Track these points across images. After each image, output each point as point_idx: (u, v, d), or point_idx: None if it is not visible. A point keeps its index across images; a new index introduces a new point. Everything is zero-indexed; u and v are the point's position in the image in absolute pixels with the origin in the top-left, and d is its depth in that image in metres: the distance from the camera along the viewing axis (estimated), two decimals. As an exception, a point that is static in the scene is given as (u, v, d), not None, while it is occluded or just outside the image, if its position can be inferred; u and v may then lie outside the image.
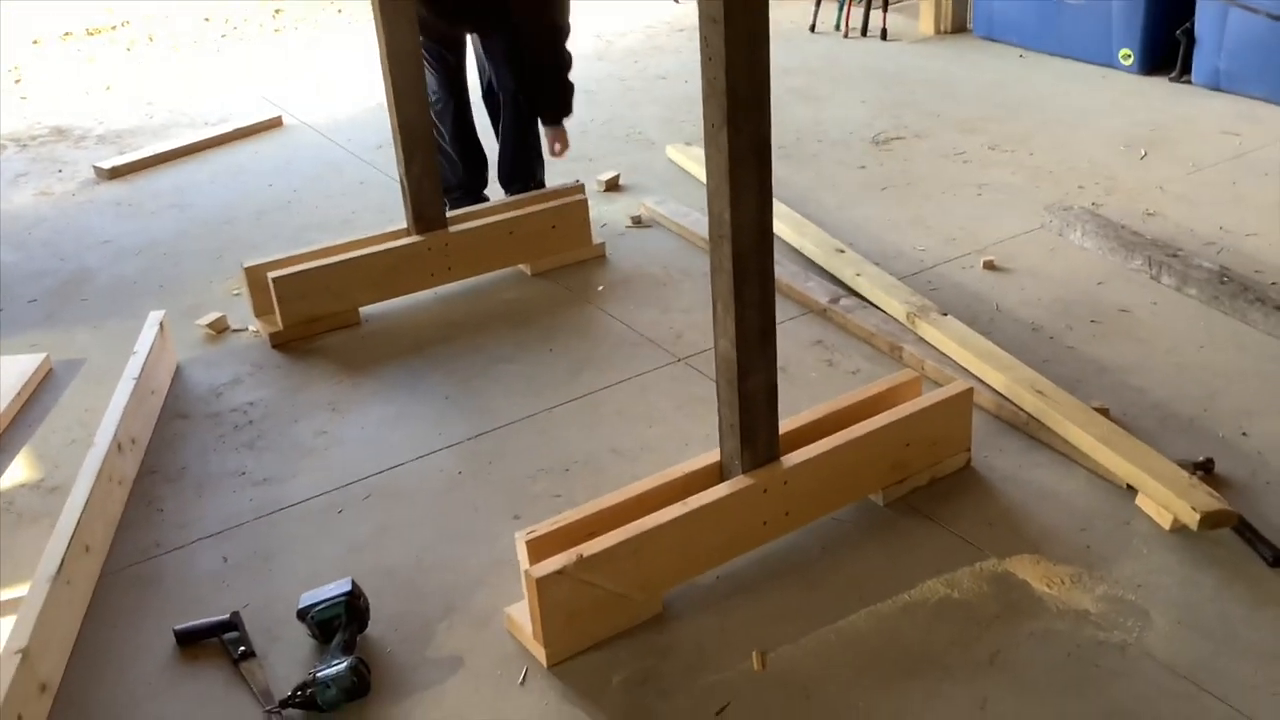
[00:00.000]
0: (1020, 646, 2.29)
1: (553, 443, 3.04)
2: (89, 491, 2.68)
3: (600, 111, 5.51)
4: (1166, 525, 2.56)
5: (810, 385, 3.20)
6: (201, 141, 5.31)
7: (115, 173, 5.04)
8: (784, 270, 3.74)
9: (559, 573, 2.26)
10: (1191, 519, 2.50)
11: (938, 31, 6.38)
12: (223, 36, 7.34)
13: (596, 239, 4.05)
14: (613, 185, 4.62)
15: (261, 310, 3.61)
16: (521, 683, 2.29)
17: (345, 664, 2.23)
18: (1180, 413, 2.98)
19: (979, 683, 2.21)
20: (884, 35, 6.35)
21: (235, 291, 3.86)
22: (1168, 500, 2.55)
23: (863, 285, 3.60)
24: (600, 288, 3.82)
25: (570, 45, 4.04)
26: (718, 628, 2.39)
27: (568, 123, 4.19)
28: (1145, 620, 2.33)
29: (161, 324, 3.45)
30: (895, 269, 3.75)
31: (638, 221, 4.29)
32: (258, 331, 3.63)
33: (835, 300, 3.56)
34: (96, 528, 2.69)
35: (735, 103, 2.15)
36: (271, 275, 3.50)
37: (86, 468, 2.78)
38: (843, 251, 3.81)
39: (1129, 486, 2.68)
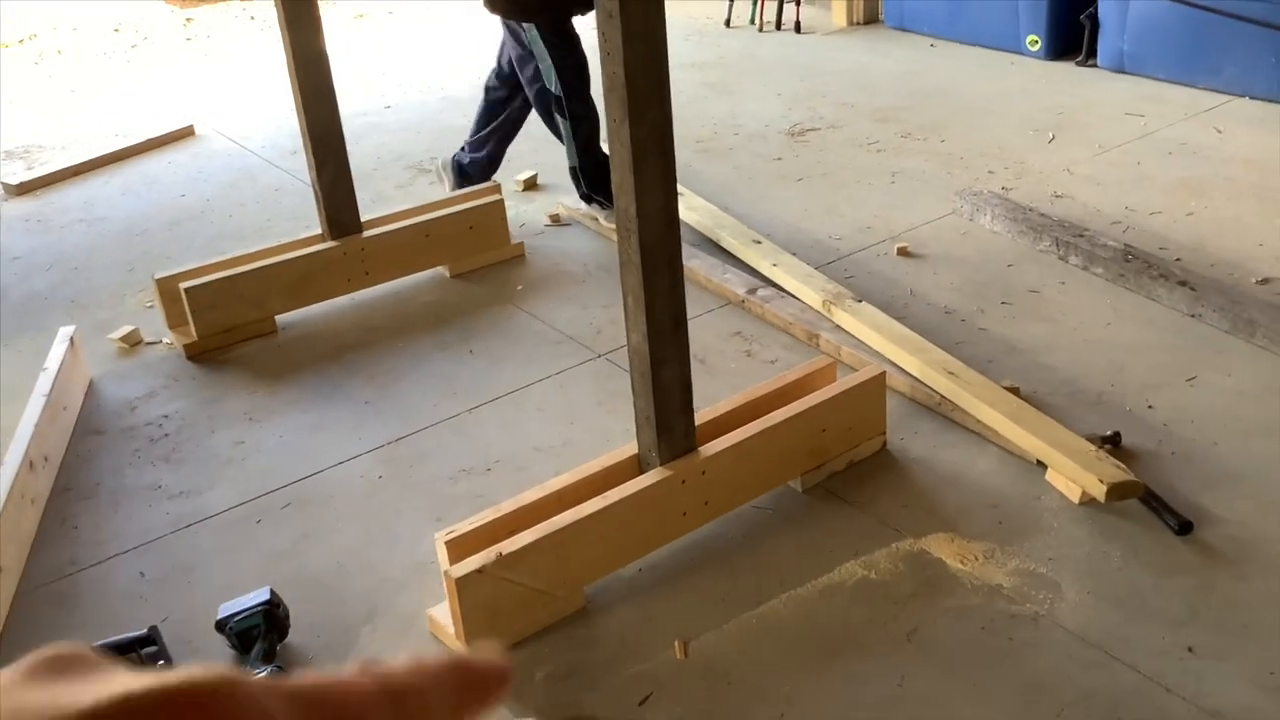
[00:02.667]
0: (936, 623, 2.33)
1: (474, 443, 3.04)
2: (0, 511, 2.64)
3: (518, 111, 5.49)
4: (1076, 499, 2.61)
5: (729, 375, 3.23)
6: (112, 153, 5.21)
7: (24, 188, 4.94)
8: (702, 263, 3.77)
9: (478, 572, 2.26)
10: (1099, 491, 2.56)
11: (850, 23, 6.45)
12: (133, 47, 7.22)
13: (515, 238, 4.05)
14: (531, 184, 4.62)
15: (175, 322, 3.56)
16: (445, 683, 2.28)
17: (264, 674, 2.21)
18: (1088, 389, 3.05)
19: (896, 660, 2.24)
20: (798, 28, 6.40)
21: (148, 304, 3.81)
22: (1076, 474, 2.61)
23: (780, 275, 3.63)
24: (519, 287, 3.82)
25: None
26: (640, 619, 2.41)
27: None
28: (1056, 592, 2.38)
29: (73, 339, 3.39)
30: (812, 258, 3.79)
31: (556, 220, 4.29)
32: (172, 343, 3.58)
33: (753, 291, 3.59)
34: (9, 548, 2.64)
35: (635, 97, 2.17)
36: (184, 286, 3.46)
37: (-4, 487, 2.73)
38: (760, 242, 3.84)
39: (1039, 463, 2.73)
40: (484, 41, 6.64)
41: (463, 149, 4.38)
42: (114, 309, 3.87)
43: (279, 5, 3.39)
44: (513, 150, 5.03)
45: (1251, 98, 4.92)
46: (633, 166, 2.21)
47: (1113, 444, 2.78)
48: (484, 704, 0.37)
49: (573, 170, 4.09)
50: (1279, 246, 3.69)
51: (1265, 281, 3.48)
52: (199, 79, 6.41)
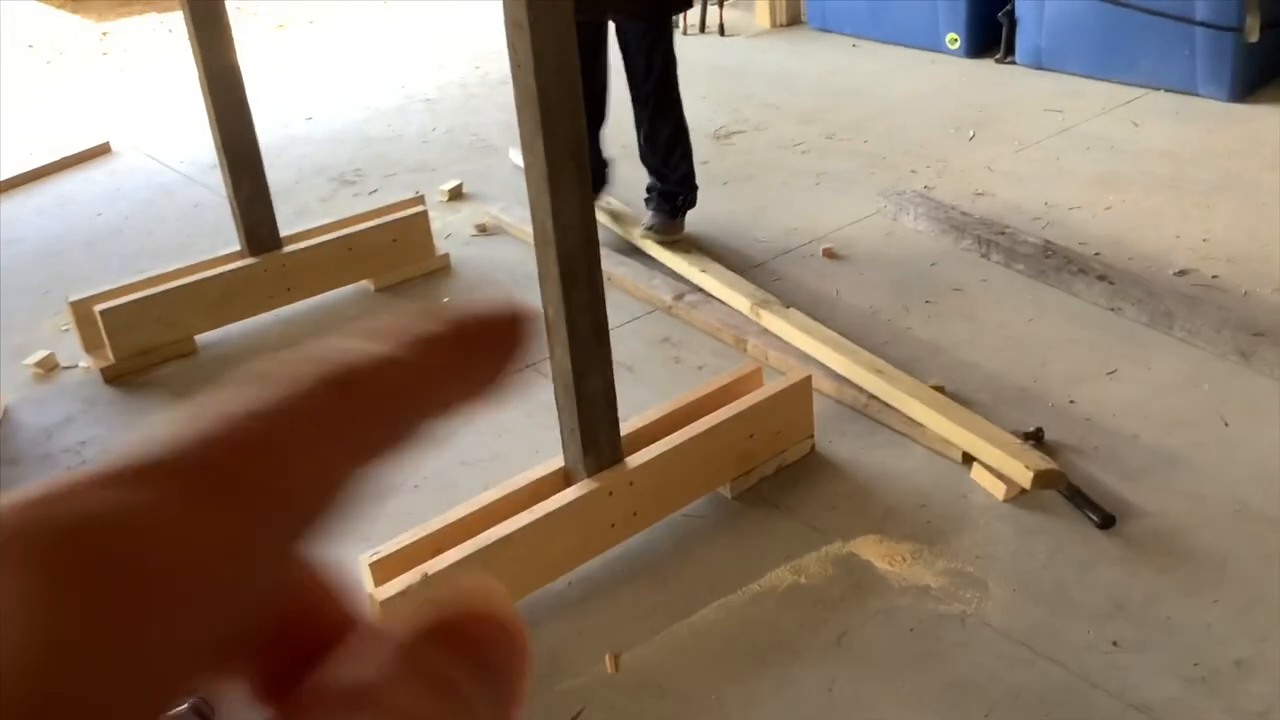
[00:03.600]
0: (866, 626, 2.33)
1: (400, 461, 2.99)
2: (-92, 549, 2.55)
3: (442, 120, 5.46)
4: (1001, 496, 2.64)
5: (657, 383, 3.22)
6: (25, 173, 5.09)
7: (-67, 210, 4.81)
8: (628, 270, 3.76)
9: (404, 594, 2.23)
10: (1025, 478, 2.58)
11: (774, 25, 6.47)
12: (48, 63, 7.07)
13: (441, 250, 4.01)
14: (456, 194, 4.58)
15: (91, 345, 3.48)
16: (373, 708, 2.25)
17: (186, 704, 2.16)
18: (1012, 385, 3.08)
19: (827, 665, 2.25)
20: (722, 31, 6.41)
21: (64, 327, 3.72)
22: (1002, 463, 2.64)
23: (707, 281, 3.63)
24: (446, 299, 3.78)
25: None
26: (570, 633, 2.39)
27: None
28: (983, 591, 2.40)
29: (-16, 366, 3.31)
30: (738, 262, 3.80)
31: (483, 230, 4.26)
32: (89, 367, 3.50)
33: (680, 297, 3.58)
34: (-81, 586, 2.56)
35: (548, 110, 2.15)
36: (99, 308, 3.39)
37: (-95, 524, 2.64)
38: (688, 251, 3.83)
39: (965, 460, 2.76)
40: (407, 51, 6.59)
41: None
42: (29, 333, 3.77)
43: (188, 18, 3.33)
44: (437, 159, 5.00)
45: (1167, 90, 5.00)
46: (548, 180, 2.19)
47: (1036, 440, 2.80)
48: (498, 368, 0.28)
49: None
50: (1195, 238, 3.75)
51: (1182, 273, 3.54)
52: (115, 94, 6.29)
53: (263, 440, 0.24)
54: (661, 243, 3.86)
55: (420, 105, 5.69)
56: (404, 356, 0.26)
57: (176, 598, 0.22)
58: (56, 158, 5.22)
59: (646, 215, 3.92)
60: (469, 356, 0.27)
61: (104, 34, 7.59)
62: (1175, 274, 3.53)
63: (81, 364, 3.53)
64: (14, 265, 4.30)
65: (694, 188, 3.92)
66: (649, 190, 3.92)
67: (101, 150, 5.34)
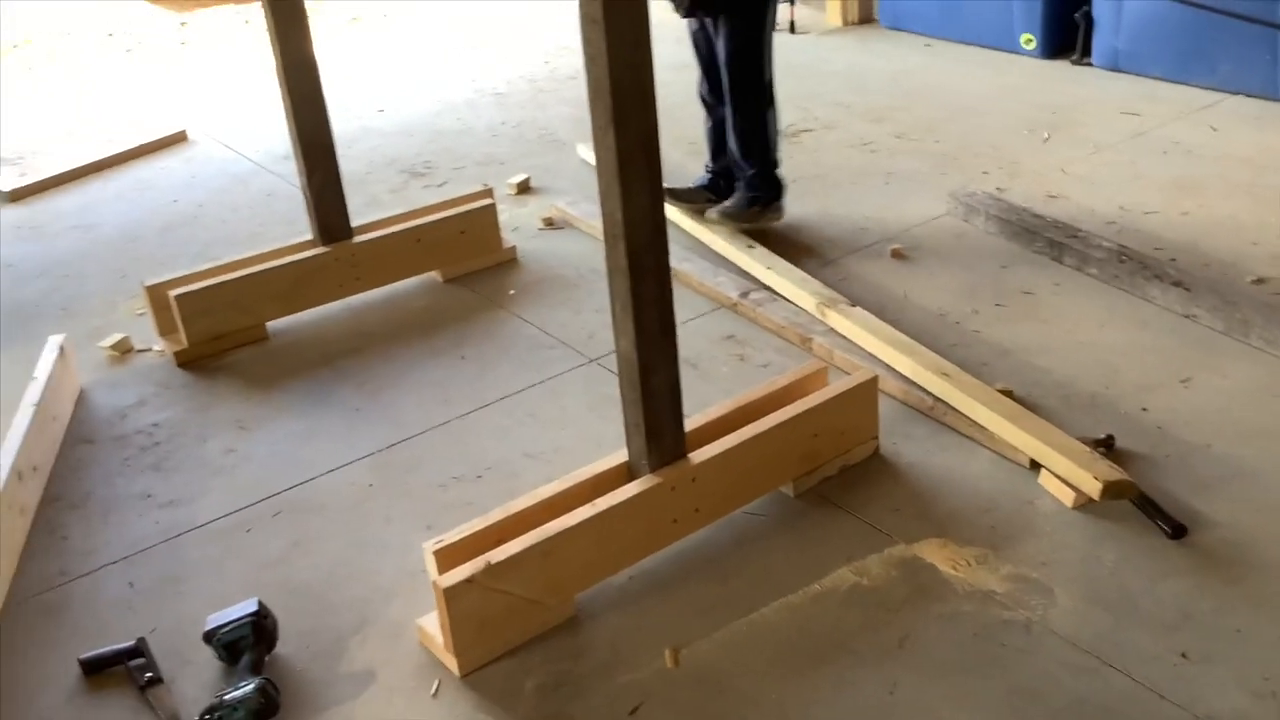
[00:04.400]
0: (928, 629, 2.31)
1: (465, 450, 3.03)
2: (-13, 523, 2.62)
3: (511, 114, 5.49)
4: (1069, 503, 2.60)
5: (721, 380, 3.21)
6: (105, 159, 5.20)
7: (15, 195, 4.93)
8: (694, 266, 3.75)
9: (467, 581, 2.25)
10: (1094, 489, 2.54)
11: (845, 23, 6.43)
12: (128, 51, 7.21)
13: (508, 242, 4.04)
14: (524, 188, 4.61)
15: (166, 329, 3.55)
16: (434, 695, 2.27)
17: (252, 685, 2.20)
18: (1082, 391, 3.03)
19: (888, 667, 2.23)
20: (792, 28, 6.38)
21: (139, 311, 3.79)
22: (1070, 473, 2.60)
23: (773, 279, 3.62)
24: (512, 292, 3.80)
25: None
26: (631, 627, 2.39)
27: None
28: (1049, 598, 2.36)
29: (62, 348, 3.38)
30: (805, 261, 3.78)
31: (549, 223, 4.28)
32: (162, 351, 3.57)
33: (745, 294, 3.58)
34: (-3, 559, 2.64)
35: (621, 102, 2.16)
36: (174, 293, 3.45)
37: (-15, 498, 2.72)
38: (753, 246, 3.82)
39: (1032, 465, 2.72)
40: (478, 46, 6.64)
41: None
42: (105, 316, 3.86)
43: (267, 11, 3.37)
44: (506, 153, 5.03)
45: (1247, 95, 4.90)
46: (618, 173, 2.20)
47: (1106, 446, 2.76)
48: None
49: None
50: (1273, 245, 3.67)
51: (1260, 281, 3.46)
52: (193, 83, 6.40)
53: None
54: (738, 228, 3.91)
55: (490, 99, 5.73)
56: None
57: None
58: (135, 145, 5.32)
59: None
60: None
61: (182, 24, 7.72)
62: (1252, 281, 3.46)
63: (155, 347, 3.59)
64: (92, 249, 4.39)
65: (772, 187, 3.94)
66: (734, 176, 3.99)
67: (179, 138, 5.44)
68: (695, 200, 4.04)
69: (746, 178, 3.91)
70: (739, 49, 3.72)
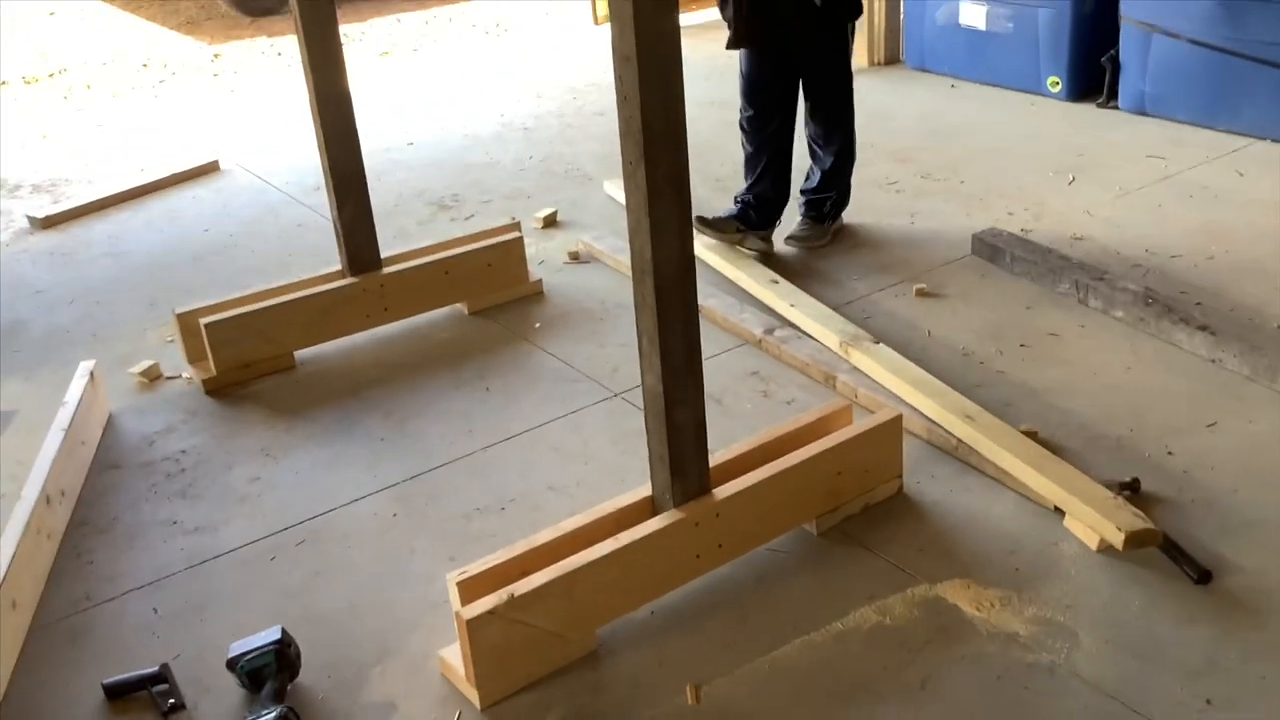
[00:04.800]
0: (951, 671, 2.30)
1: (489, 482, 3.04)
2: (16, 546, 2.64)
3: (538, 149, 5.54)
4: (1094, 546, 2.59)
5: (745, 416, 3.22)
6: (137, 188, 5.27)
7: (49, 222, 5.00)
8: (719, 302, 3.77)
9: (490, 613, 2.25)
10: (1117, 539, 2.53)
11: (871, 63, 6.47)
12: (161, 82, 7.31)
13: (534, 276, 4.06)
14: (550, 222, 4.64)
15: (195, 356, 3.58)
16: (455, 726, 2.27)
17: (274, 713, 2.21)
18: (1108, 433, 3.02)
19: (911, 708, 2.22)
20: (819, 68, 6.42)
21: (169, 338, 3.83)
22: (1094, 521, 2.59)
23: (797, 316, 3.63)
24: (537, 324, 3.83)
25: None
26: (652, 662, 2.39)
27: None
28: (1073, 641, 2.35)
29: (92, 373, 3.42)
30: (829, 299, 3.79)
31: (575, 257, 4.31)
32: (191, 378, 3.60)
33: (770, 331, 3.59)
34: (24, 582, 2.65)
35: (651, 140, 2.18)
36: (204, 321, 3.48)
37: (14, 521, 2.74)
38: (777, 283, 3.84)
39: (1057, 508, 2.71)
40: (506, 81, 6.70)
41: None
42: (135, 343, 3.90)
43: (303, 46, 3.42)
44: (533, 187, 5.07)
45: (1273, 140, 4.90)
46: (648, 209, 2.22)
47: (1132, 490, 2.75)
48: None
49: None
50: (1301, 291, 3.67)
51: (1287, 326, 3.45)
52: (225, 114, 6.49)
53: None
54: (802, 249, 4.19)
55: (518, 134, 5.78)
56: None
57: None
58: (167, 174, 5.39)
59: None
60: None
61: (215, 56, 7.83)
62: (1279, 326, 3.45)
63: (184, 375, 3.63)
64: (123, 277, 4.44)
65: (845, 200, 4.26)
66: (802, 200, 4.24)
67: (210, 168, 5.51)
68: (726, 229, 4.10)
69: (828, 199, 4.20)
70: (839, 69, 4.02)
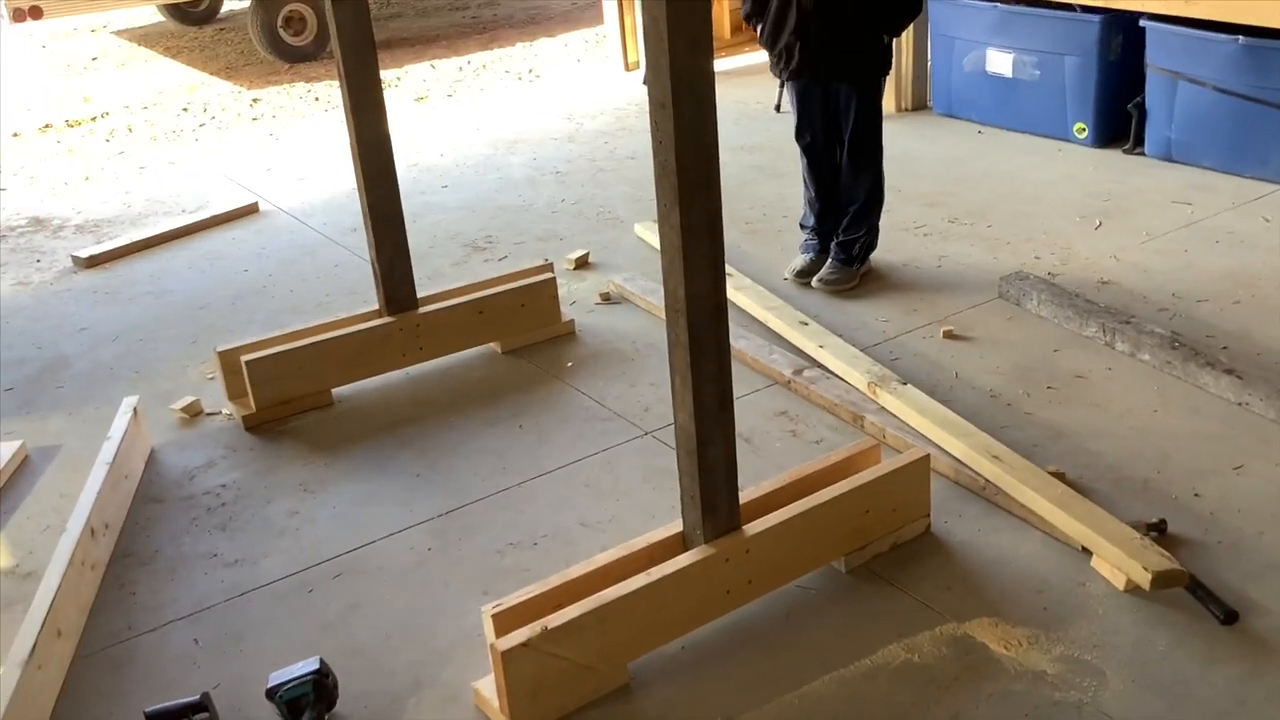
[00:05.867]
0: (979, 708, 2.33)
1: (522, 517, 3.09)
2: (61, 577, 2.71)
3: (570, 192, 5.63)
4: (1121, 586, 2.61)
5: (774, 455, 3.26)
6: (178, 229, 5.39)
7: (93, 261, 5.11)
8: (749, 343, 3.82)
9: (524, 645, 2.30)
10: (1144, 579, 2.55)
11: (899, 109, 6.54)
12: (201, 126, 7.47)
13: (566, 316, 4.13)
14: (582, 263, 4.72)
15: (235, 393, 3.66)
16: (489, 756, 2.31)
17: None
18: (1135, 475, 3.05)
19: (938, 744, 2.25)
20: (847, 113, 6.50)
21: (210, 375, 3.92)
22: (1120, 561, 2.61)
23: (826, 356, 3.68)
24: (569, 364, 3.89)
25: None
26: (683, 697, 2.43)
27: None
28: (1101, 680, 2.37)
29: (135, 409, 3.50)
30: (858, 340, 3.84)
31: (606, 298, 4.37)
32: (231, 415, 3.68)
33: (799, 371, 3.63)
34: (69, 612, 2.72)
35: (685, 184, 2.24)
36: (245, 359, 3.56)
37: (59, 553, 2.82)
38: (806, 324, 3.89)
39: (1084, 548, 2.74)
40: (539, 125, 6.81)
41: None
42: (176, 380, 3.98)
43: (345, 91, 3.52)
44: (565, 229, 5.16)
45: (1300, 187, 4.93)
46: (683, 251, 2.28)
47: (1159, 532, 2.77)
48: None
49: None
50: (1328, 336, 3.69)
51: (1314, 370, 3.47)
52: (263, 157, 6.62)
53: None
54: (833, 292, 4.26)
55: (550, 177, 5.88)
56: None
57: None
58: (207, 215, 5.51)
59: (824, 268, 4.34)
60: None
61: (254, 100, 7.99)
62: (1307, 371, 3.47)
63: (224, 411, 3.71)
64: (165, 316, 4.54)
65: (874, 243, 4.37)
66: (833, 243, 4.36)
67: (250, 210, 5.63)
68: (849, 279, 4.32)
69: (856, 241, 4.30)
70: (870, 112, 4.15)
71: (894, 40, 4.13)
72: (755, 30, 4.25)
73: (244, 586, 2.90)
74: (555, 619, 2.35)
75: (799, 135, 4.29)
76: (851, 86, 4.08)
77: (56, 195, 6.20)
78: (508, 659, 2.28)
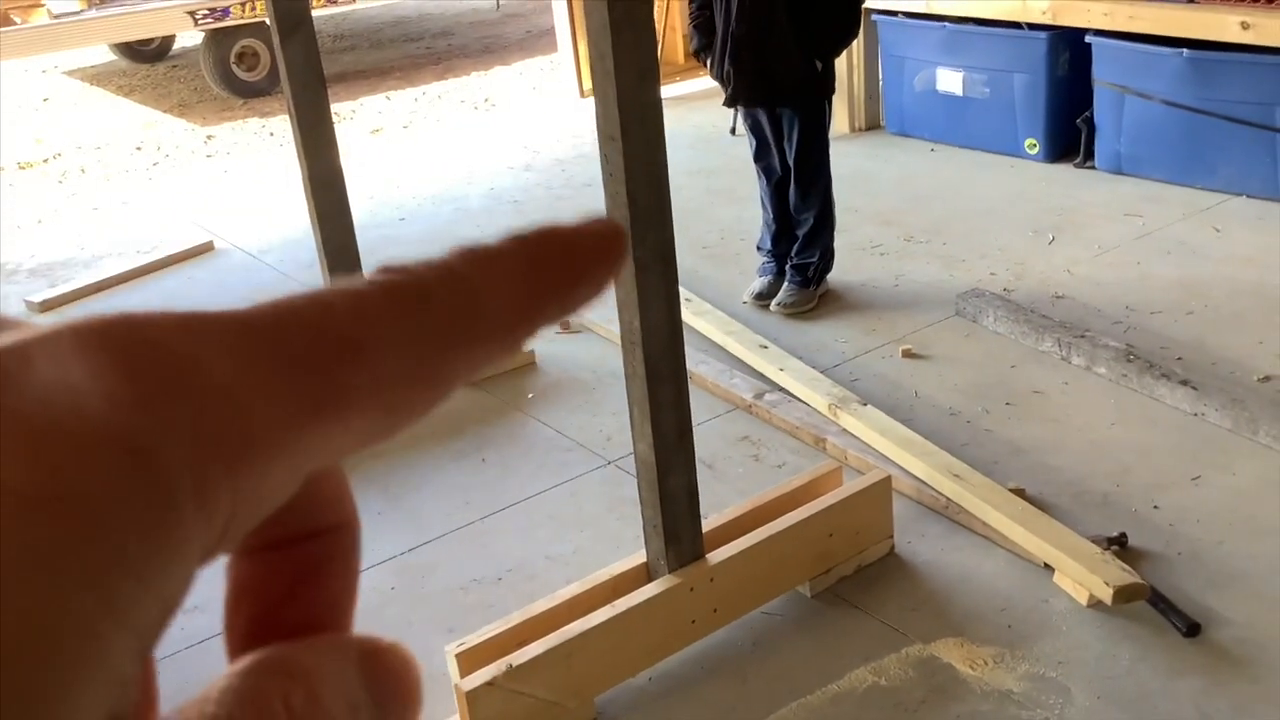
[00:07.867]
0: (947, 730, 2.33)
1: (486, 552, 3.07)
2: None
3: (527, 220, 5.58)
4: (1084, 601, 2.63)
5: (737, 480, 3.27)
6: (134, 270, 5.34)
7: (46, 306, 5.06)
8: (709, 368, 3.83)
9: (489, 684, 2.28)
10: (1106, 594, 2.57)
11: (852, 129, 6.59)
12: (154, 165, 7.42)
13: (526, 346, 4.12)
14: (541, 293, 4.70)
15: (192, 435, 3.62)
16: (456, 797, 2.29)
17: None
18: (1094, 489, 3.07)
19: (907, 768, 2.25)
20: (802, 135, 6.55)
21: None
22: (1082, 576, 2.63)
23: (786, 380, 3.69)
24: (530, 395, 3.88)
25: None
26: (651, 729, 2.42)
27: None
28: (1066, 697, 2.38)
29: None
30: (818, 362, 3.85)
31: (566, 327, 4.37)
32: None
33: (760, 395, 3.64)
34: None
35: (637, 215, 2.25)
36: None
37: None
38: (766, 347, 3.90)
39: (1047, 565, 2.75)
40: (495, 155, 6.82)
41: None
42: (133, 423, 3.93)
43: (295, 130, 3.51)
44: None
45: (1249, 196, 5.00)
46: (636, 283, 2.28)
47: (1119, 545, 2.79)
48: (578, 287, 0.26)
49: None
50: (1279, 344, 3.73)
51: (1267, 379, 3.52)
52: (218, 194, 6.58)
53: (354, 339, 0.23)
54: (791, 315, 4.26)
55: (508, 206, 5.87)
56: (482, 274, 0.25)
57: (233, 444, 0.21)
58: (163, 255, 5.47)
59: (781, 291, 4.33)
60: (556, 273, 0.26)
61: (208, 137, 7.95)
62: (1260, 380, 3.52)
63: (182, 453, 3.66)
64: (120, 358, 4.49)
65: (828, 265, 4.38)
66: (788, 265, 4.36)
67: (205, 249, 5.59)
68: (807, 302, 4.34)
69: (810, 264, 4.31)
70: (815, 134, 4.18)
71: (833, 63, 4.15)
72: (705, 65, 4.27)
73: (203, 634, 2.85)
74: (520, 656, 2.33)
75: (757, 158, 4.32)
76: (793, 110, 4.11)
77: (9, 239, 6.13)
78: (473, 699, 2.26)
